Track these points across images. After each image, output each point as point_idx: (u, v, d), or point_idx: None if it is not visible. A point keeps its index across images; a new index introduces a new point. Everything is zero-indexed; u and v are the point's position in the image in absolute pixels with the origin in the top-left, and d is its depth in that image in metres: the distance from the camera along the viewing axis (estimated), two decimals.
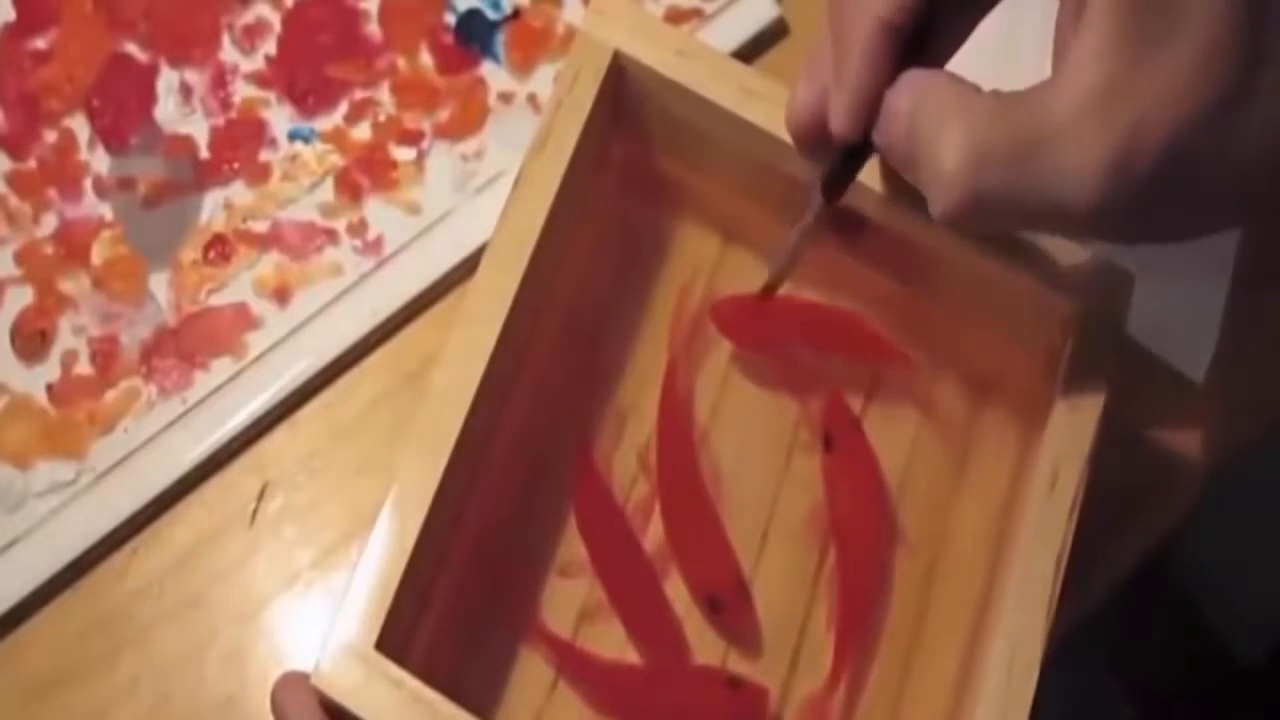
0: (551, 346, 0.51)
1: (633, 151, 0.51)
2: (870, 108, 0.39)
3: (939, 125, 0.36)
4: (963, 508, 0.51)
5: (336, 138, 0.57)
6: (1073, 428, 0.43)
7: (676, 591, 0.50)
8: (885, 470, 0.51)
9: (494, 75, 0.58)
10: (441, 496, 0.43)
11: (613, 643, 0.49)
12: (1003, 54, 0.47)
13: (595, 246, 0.53)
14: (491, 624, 0.49)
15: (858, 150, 0.40)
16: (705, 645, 0.49)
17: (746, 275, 0.53)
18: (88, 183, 0.57)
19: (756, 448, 0.52)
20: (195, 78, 0.58)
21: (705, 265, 0.54)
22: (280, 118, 0.58)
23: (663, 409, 0.51)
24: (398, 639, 0.42)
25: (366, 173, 0.57)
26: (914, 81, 0.38)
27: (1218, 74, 0.33)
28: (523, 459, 0.51)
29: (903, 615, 0.50)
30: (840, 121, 0.39)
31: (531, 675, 0.49)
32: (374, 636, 0.41)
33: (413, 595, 0.43)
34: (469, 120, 0.57)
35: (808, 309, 0.53)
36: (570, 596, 0.50)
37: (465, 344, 0.44)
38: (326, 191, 0.57)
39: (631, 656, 0.49)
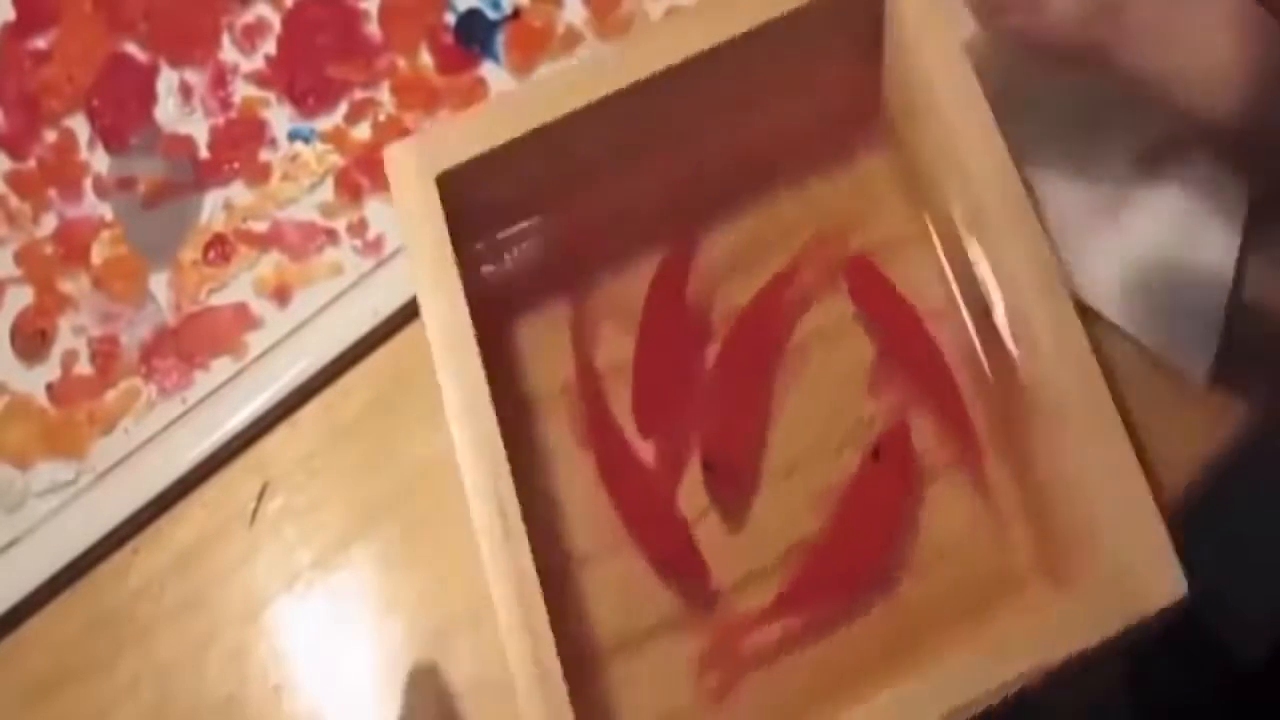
0: None
1: None
2: None
3: None
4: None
5: (336, 138, 0.57)
6: None
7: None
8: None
9: (494, 75, 0.58)
10: None
11: None
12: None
13: None
14: None
15: None
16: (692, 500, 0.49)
17: None
18: (88, 183, 0.57)
19: (828, 400, 0.51)
20: (195, 78, 0.58)
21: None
22: (280, 118, 0.58)
23: (761, 298, 0.51)
24: None
25: (366, 173, 0.57)
26: None
27: None
28: None
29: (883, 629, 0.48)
30: None
31: None
32: None
33: None
34: None
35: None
36: None
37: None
38: (326, 191, 0.57)
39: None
